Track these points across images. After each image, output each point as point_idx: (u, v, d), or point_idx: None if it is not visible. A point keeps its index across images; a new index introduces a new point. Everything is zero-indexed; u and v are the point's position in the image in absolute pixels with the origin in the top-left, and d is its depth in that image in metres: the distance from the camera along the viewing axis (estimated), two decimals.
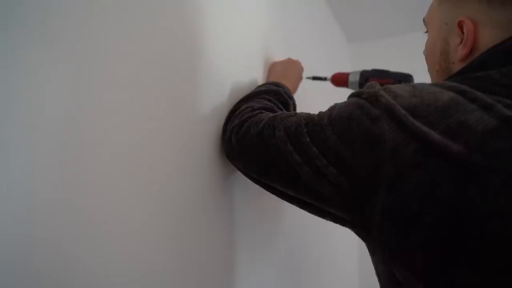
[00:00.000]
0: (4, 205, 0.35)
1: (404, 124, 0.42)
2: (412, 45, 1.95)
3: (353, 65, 2.05)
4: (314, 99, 1.22)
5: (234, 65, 0.79)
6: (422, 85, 0.47)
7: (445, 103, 0.42)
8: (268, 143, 0.56)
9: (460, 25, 0.51)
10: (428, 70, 0.61)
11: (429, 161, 0.40)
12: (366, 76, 0.88)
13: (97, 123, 0.45)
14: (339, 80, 0.92)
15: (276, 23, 1.04)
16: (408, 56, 1.91)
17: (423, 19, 0.62)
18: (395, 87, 0.47)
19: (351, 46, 2.10)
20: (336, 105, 0.52)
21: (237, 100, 0.75)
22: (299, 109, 0.79)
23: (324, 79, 0.95)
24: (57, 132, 0.40)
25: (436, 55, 0.57)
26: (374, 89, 0.48)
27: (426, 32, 0.62)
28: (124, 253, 0.48)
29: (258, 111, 0.65)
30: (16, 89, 0.36)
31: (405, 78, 0.86)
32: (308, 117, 0.54)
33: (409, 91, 0.46)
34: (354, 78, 0.90)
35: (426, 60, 0.62)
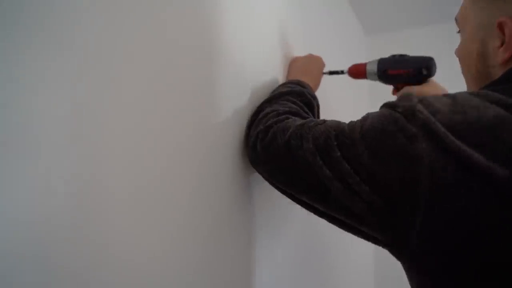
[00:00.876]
0: (15, 211, 0.33)
1: (444, 144, 0.39)
2: (432, 37, 1.91)
3: (370, 58, 2.01)
4: (335, 94, 1.20)
5: (253, 62, 0.77)
6: (463, 96, 0.43)
7: (490, 121, 0.39)
8: (296, 154, 0.53)
9: (501, 26, 0.48)
10: (463, 72, 0.58)
11: (471, 186, 0.37)
12: (385, 66, 0.85)
13: (113, 132, 0.43)
14: (357, 72, 0.90)
15: (292, 14, 1.02)
16: (427, 49, 1.87)
17: (455, 18, 0.58)
18: (434, 100, 0.43)
19: (369, 38, 2.06)
20: (368, 116, 0.49)
21: (259, 101, 0.73)
22: (321, 105, 0.78)
23: (341, 72, 0.93)
24: (71, 140, 0.38)
25: (472, 58, 0.53)
26: (410, 102, 0.44)
27: (459, 32, 0.58)
28: (154, 256, 0.48)
29: (284, 116, 0.62)
30: (34, 98, 0.35)
31: (426, 62, 0.82)
32: (338, 128, 0.50)
33: (449, 104, 0.42)
34: (372, 69, 0.87)
35: (460, 62, 0.58)
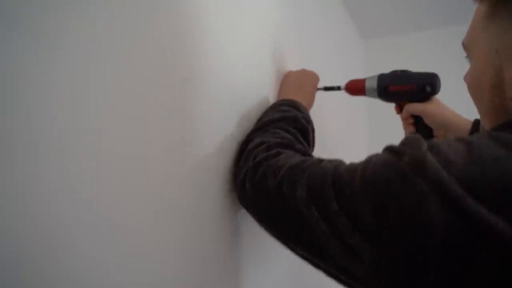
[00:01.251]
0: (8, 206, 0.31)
1: (459, 207, 0.33)
2: (430, 43, 1.85)
3: (366, 63, 1.95)
4: (331, 109, 1.13)
5: (242, 77, 0.70)
6: (481, 142, 0.37)
7: None
8: (288, 203, 0.48)
9: None
10: (475, 103, 0.51)
11: (494, 259, 0.31)
12: (385, 82, 0.79)
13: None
14: (355, 88, 0.83)
15: (286, 20, 0.95)
16: (426, 54, 1.81)
17: (462, 42, 0.52)
18: (446, 146, 0.37)
19: (365, 42, 1.99)
20: (370, 160, 0.41)
21: (249, 125, 0.67)
22: (313, 119, 0.72)
23: (338, 88, 0.85)
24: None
25: (485, 88, 0.47)
26: (418, 150, 0.37)
27: (466, 57, 0.52)
28: None
29: (275, 150, 0.57)
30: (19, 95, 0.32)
31: (431, 79, 0.76)
32: (336, 173, 0.44)
33: (463, 151, 0.36)
34: (371, 85, 0.80)
35: (470, 91, 0.51)
